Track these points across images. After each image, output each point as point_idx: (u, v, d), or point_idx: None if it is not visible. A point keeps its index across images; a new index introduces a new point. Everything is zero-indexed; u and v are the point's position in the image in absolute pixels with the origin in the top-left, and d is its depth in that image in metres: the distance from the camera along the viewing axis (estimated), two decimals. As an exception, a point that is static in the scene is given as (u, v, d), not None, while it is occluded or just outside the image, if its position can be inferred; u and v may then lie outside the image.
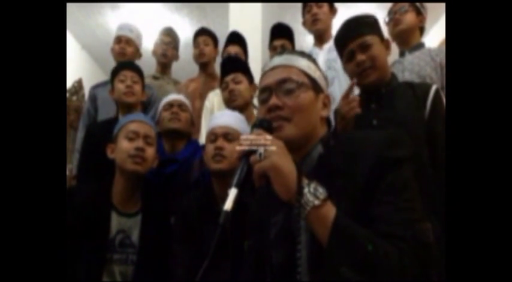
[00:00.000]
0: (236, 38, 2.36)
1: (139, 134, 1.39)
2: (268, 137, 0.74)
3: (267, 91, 0.87)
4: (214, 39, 2.52)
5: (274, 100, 0.83)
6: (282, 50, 0.96)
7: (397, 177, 0.74)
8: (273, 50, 2.33)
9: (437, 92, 1.32)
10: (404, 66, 1.76)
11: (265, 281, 0.82)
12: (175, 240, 1.35)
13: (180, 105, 1.77)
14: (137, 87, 1.89)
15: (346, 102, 1.30)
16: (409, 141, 0.81)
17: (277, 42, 2.33)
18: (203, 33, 2.50)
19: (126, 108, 1.85)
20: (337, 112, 1.53)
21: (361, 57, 1.32)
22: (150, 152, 1.40)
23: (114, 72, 1.93)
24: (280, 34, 2.36)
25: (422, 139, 1.26)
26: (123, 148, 1.37)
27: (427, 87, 1.35)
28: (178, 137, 1.75)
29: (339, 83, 1.96)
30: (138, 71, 1.96)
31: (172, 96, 1.84)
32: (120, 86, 1.86)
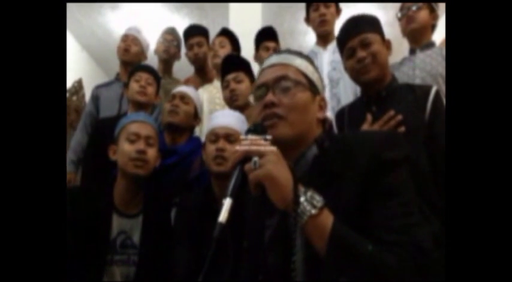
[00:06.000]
0: (222, 31, 2.40)
1: (141, 135, 1.38)
2: (264, 143, 0.73)
3: (263, 88, 0.86)
4: (206, 37, 2.50)
5: (270, 97, 0.82)
6: (281, 50, 0.95)
7: (393, 180, 0.73)
8: (266, 50, 2.33)
9: (437, 93, 1.31)
10: (416, 64, 1.75)
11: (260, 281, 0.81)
12: (176, 241, 1.35)
13: (182, 97, 1.73)
14: (150, 89, 1.94)
15: None
16: (404, 142, 0.79)
17: (270, 44, 2.34)
18: (195, 34, 2.45)
19: (137, 107, 1.89)
20: (339, 114, 1.53)
21: (361, 53, 1.32)
22: (152, 153, 1.39)
23: (131, 73, 2.00)
24: (272, 37, 2.38)
25: (421, 141, 1.25)
26: (124, 151, 1.36)
27: (427, 89, 1.34)
28: (177, 131, 1.73)
29: (344, 84, 1.95)
30: (154, 75, 2.01)
31: (177, 88, 1.81)
32: (134, 85, 1.93)
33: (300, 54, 0.91)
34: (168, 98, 1.77)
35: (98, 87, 2.41)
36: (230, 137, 1.36)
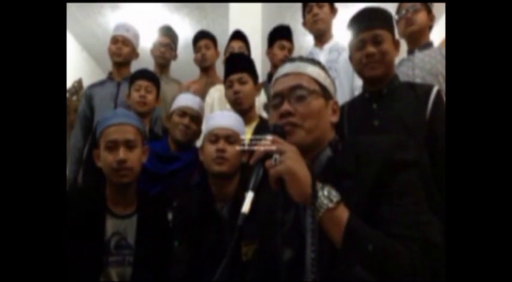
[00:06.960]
0: (239, 35, 2.41)
1: (119, 142, 1.30)
2: (281, 142, 0.77)
3: (279, 97, 0.89)
4: (214, 42, 2.55)
5: (286, 106, 0.86)
6: (294, 57, 0.98)
7: (404, 180, 0.76)
8: (282, 48, 2.35)
9: (438, 93, 1.32)
10: (415, 64, 1.76)
11: (275, 278, 0.83)
12: (174, 240, 1.35)
13: (193, 118, 1.72)
14: (150, 97, 1.99)
15: None
16: (415, 146, 0.83)
17: (286, 44, 2.37)
18: (203, 37, 2.53)
19: (137, 115, 1.89)
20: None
21: (371, 49, 1.32)
22: (134, 157, 1.31)
23: (131, 80, 2.03)
24: (288, 36, 2.40)
25: (422, 140, 1.25)
26: (105, 160, 1.30)
27: (429, 88, 1.34)
28: (182, 146, 1.75)
29: (340, 84, 1.95)
30: (154, 80, 2.03)
31: (188, 104, 1.73)
32: (134, 95, 1.97)
33: (312, 61, 0.95)
34: (178, 112, 1.72)
35: (91, 87, 2.38)
36: (230, 138, 1.35)
